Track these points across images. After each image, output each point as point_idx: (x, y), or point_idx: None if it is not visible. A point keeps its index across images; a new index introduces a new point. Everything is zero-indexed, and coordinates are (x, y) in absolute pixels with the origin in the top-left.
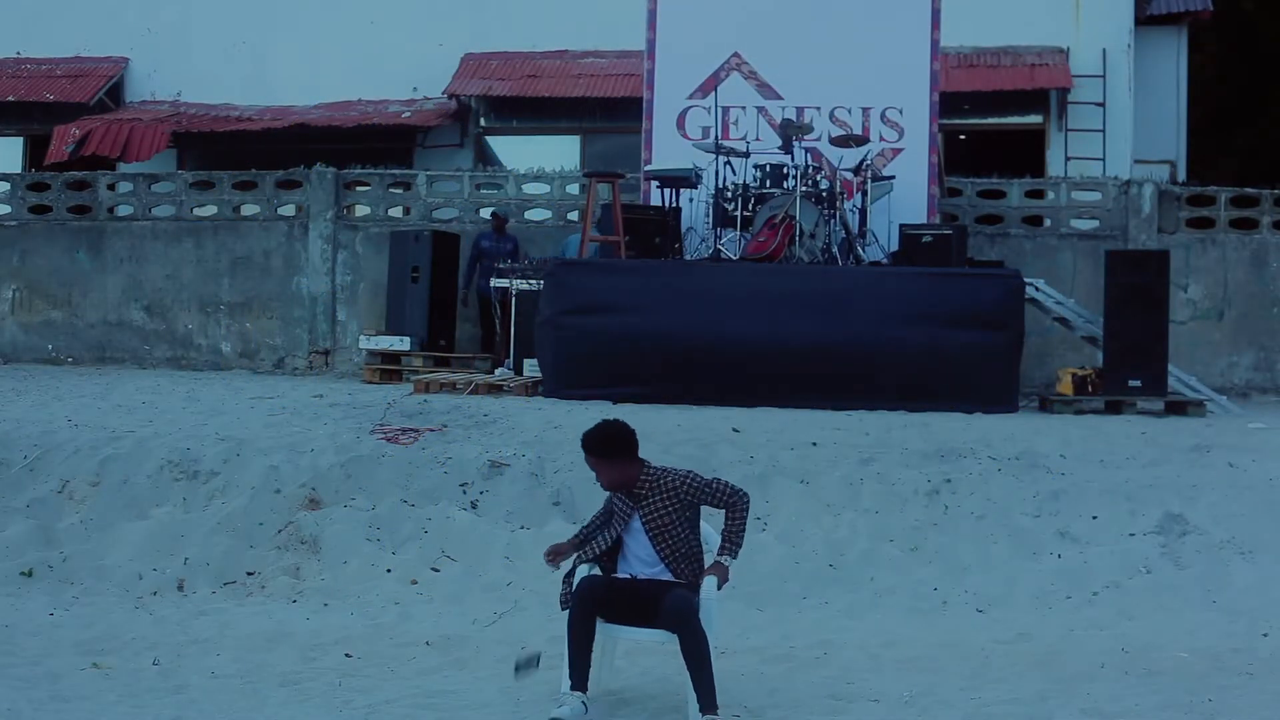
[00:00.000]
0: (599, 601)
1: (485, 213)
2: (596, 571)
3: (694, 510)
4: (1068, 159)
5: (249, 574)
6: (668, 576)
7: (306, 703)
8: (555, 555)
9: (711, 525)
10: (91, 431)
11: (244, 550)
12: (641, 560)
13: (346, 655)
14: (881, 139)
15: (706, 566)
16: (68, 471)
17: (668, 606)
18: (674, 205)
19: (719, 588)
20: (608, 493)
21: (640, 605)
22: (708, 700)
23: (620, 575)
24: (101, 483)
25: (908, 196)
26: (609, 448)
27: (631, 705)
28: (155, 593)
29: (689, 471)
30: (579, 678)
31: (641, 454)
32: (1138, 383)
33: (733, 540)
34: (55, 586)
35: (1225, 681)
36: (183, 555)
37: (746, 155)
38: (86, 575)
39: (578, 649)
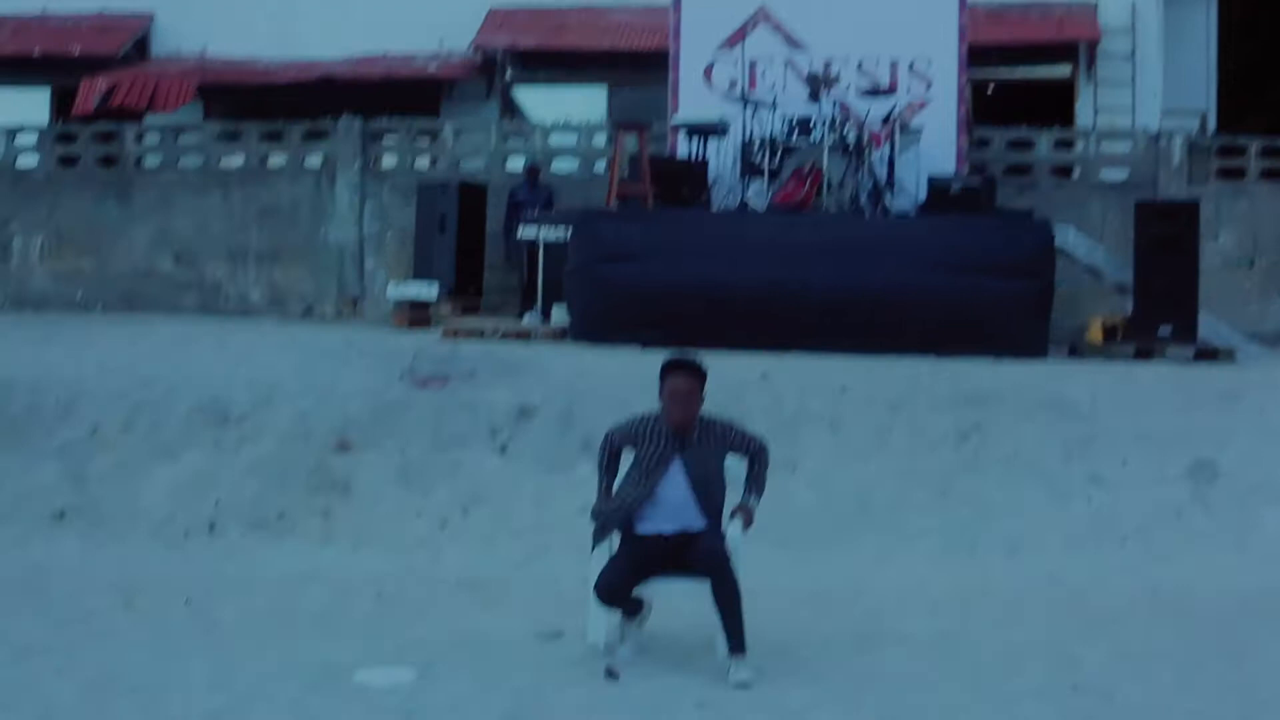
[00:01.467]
0: (626, 591)
1: (512, 163)
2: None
3: (724, 458)
4: (1096, 110)
5: (279, 516)
6: (695, 526)
7: (337, 642)
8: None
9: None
10: (122, 377)
11: (274, 493)
12: (671, 508)
13: (377, 595)
14: (909, 90)
15: (732, 509)
16: (99, 416)
17: (702, 552)
18: (701, 156)
19: (745, 529)
20: (623, 438)
21: (668, 556)
22: (737, 642)
23: (643, 532)
24: (132, 427)
25: (936, 148)
26: (699, 368)
27: (661, 644)
28: (186, 535)
29: (728, 420)
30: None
31: None
32: (1168, 330)
33: (757, 484)
34: (87, 529)
35: (1255, 624)
36: (214, 498)
37: (774, 106)
38: (118, 517)
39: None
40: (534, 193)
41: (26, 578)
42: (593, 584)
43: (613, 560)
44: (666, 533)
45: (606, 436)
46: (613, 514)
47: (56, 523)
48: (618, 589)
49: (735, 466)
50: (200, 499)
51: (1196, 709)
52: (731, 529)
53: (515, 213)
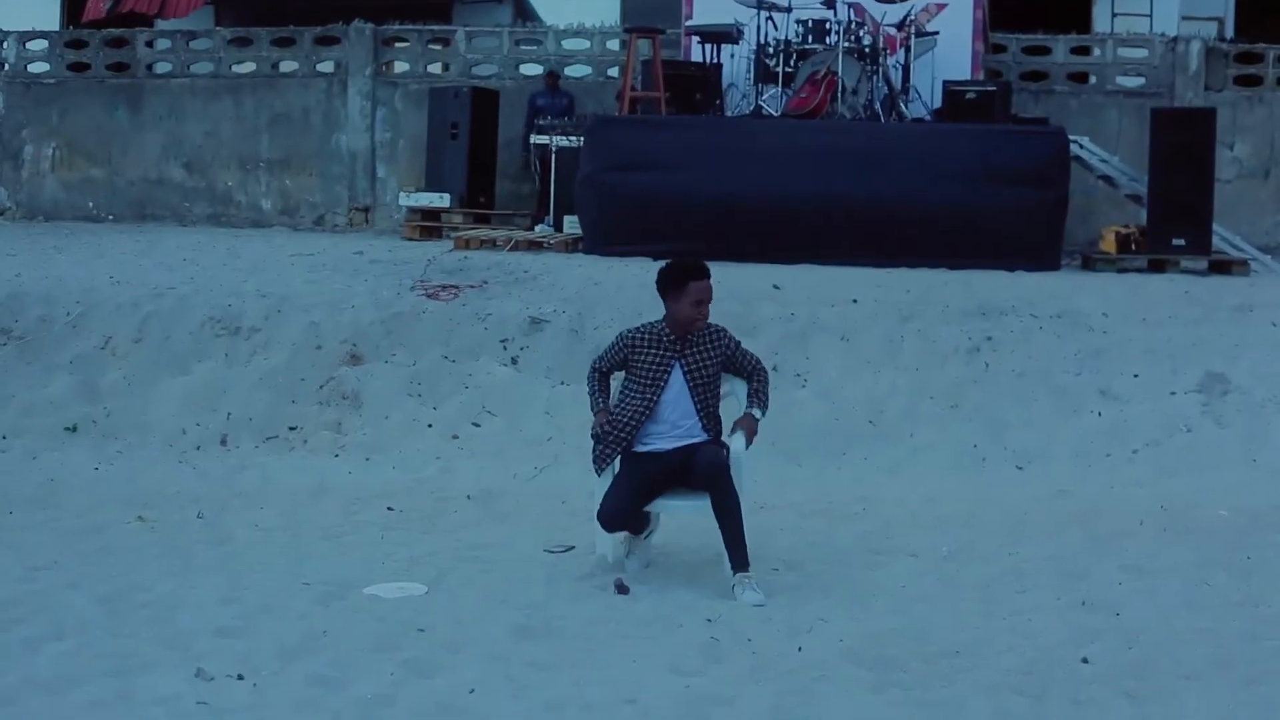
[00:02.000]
0: (629, 515)
1: (525, 69)
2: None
3: (721, 370)
4: (1114, 15)
5: (291, 429)
6: (694, 438)
7: (349, 555)
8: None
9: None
10: (133, 288)
11: (286, 405)
12: (672, 418)
13: (388, 509)
14: None
15: (736, 419)
16: (110, 328)
17: (700, 464)
18: (715, 61)
19: (747, 442)
20: (613, 359)
21: (670, 475)
22: (739, 558)
23: (643, 450)
24: (144, 339)
25: (952, 53)
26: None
27: (671, 558)
28: (198, 447)
29: (721, 326)
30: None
31: None
32: (1181, 241)
33: (760, 398)
34: (99, 441)
35: (1264, 539)
36: (225, 410)
37: (789, 10)
38: (130, 430)
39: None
40: (554, 99)
41: (38, 491)
42: (596, 511)
43: (615, 485)
44: (666, 449)
45: (592, 366)
46: (617, 431)
47: (68, 436)
48: (620, 515)
49: (739, 385)
50: (212, 411)
51: (1204, 625)
52: (735, 442)
53: (535, 119)
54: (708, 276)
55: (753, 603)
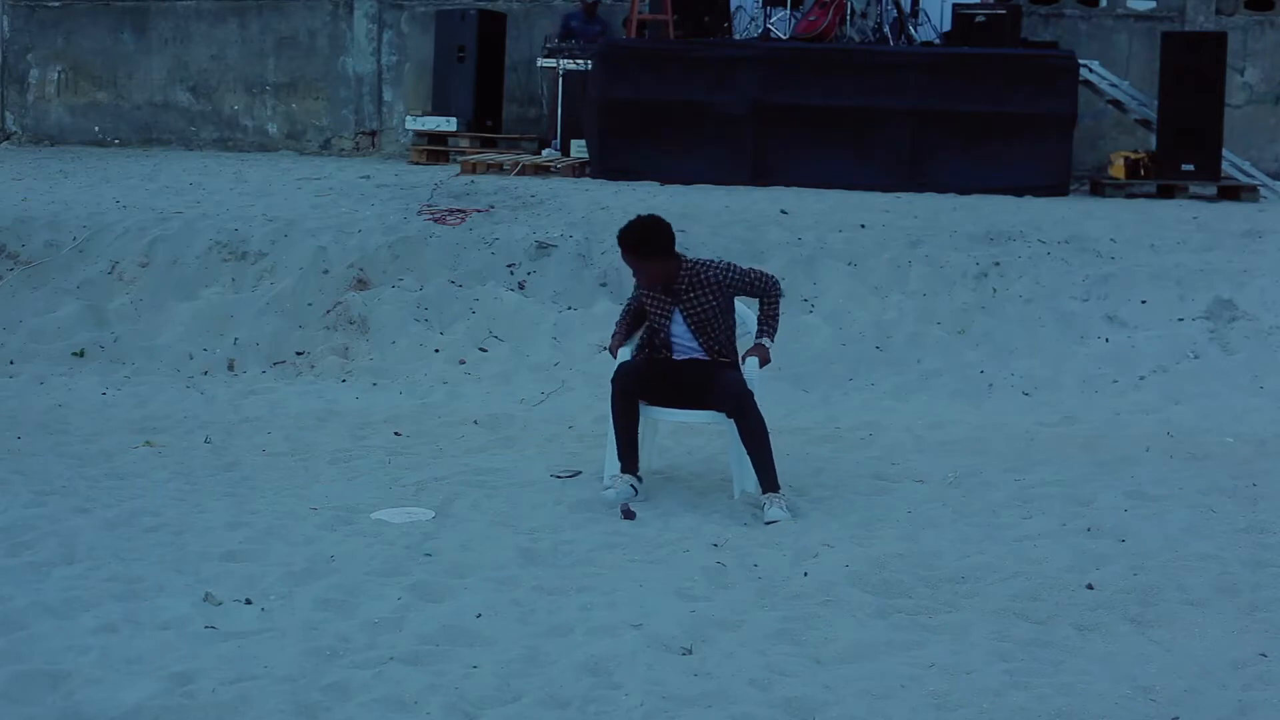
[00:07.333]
0: (640, 384)
1: None
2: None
3: (731, 298)
4: None
5: (298, 354)
6: (705, 358)
7: (356, 480)
8: (617, 350)
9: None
10: (140, 213)
11: (293, 330)
12: (684, 345)
13: (395, 433)
14: None
15: (747, 349)
16: (117, 253)
17: (724, 390)
18: None
19: (760, 368)
20: (638, 292)
21: (685, 386)
22: (769, 480)
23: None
24: (151, 264)
25: None
26: (647, 246)
27: (677, 483)
28: (206, 372)
29: (726, 263)
30: (628, 460)
31: (691, 235)
32: (1191, 167)
33: (770, 323)
34: (107, 366)
35: (1269, 466)
36: (232, 335)
37: None
38: (137, 355)
39: (623, 432)
40: (589, 25)
41: (46, 417)
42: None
43: (633, 357)
44: (677, 359)
45: (635, 290)
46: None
47: (76, 361)
48: (634, 376)
49: (746, 314)
50: (219, 336)
51: (1209, 551)
52: (748, 367)
53: (567, 42)
54: (629, 251)
55: (772, 518)
